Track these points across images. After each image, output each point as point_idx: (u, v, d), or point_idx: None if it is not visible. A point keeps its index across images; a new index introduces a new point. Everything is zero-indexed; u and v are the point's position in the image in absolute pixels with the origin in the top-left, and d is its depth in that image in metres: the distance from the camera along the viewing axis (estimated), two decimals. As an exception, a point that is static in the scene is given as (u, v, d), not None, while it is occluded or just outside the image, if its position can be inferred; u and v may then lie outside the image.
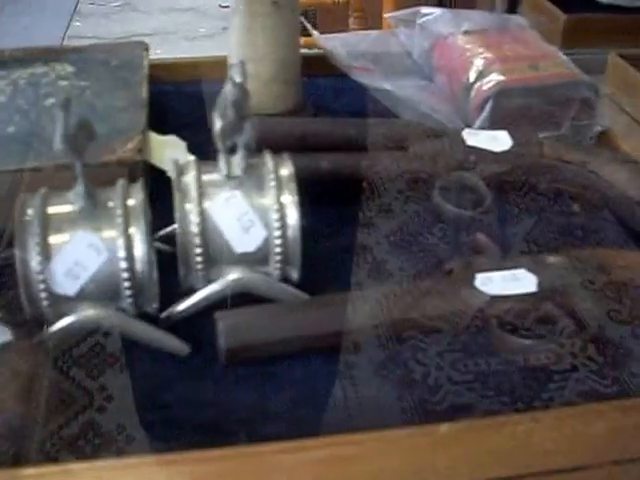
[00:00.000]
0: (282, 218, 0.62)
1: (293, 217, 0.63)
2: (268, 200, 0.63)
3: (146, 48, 0.94)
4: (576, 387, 0.59)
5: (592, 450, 0.52)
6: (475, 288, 0.62)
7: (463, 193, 0.76)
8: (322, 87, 0.98)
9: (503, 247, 0.70)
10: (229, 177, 0.64)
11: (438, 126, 0.83)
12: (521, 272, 0.64)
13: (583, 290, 0.64)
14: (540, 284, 0.63)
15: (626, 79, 1.08)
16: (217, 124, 0.62)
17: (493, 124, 0.84)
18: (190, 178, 0.63)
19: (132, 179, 0.72)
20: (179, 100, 0.96)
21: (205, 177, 0.64)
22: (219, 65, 0.91)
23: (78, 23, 3.43)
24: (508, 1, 1.52)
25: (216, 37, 3.11)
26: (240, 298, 0.63)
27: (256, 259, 0.63)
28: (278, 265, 0.63)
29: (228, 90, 0.61)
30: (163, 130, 0.84)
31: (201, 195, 0.62)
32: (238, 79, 0.61)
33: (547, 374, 0.60)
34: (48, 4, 3.56)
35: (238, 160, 0.64)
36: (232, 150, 0.64)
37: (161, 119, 0.90)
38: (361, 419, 0.54)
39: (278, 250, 0.63)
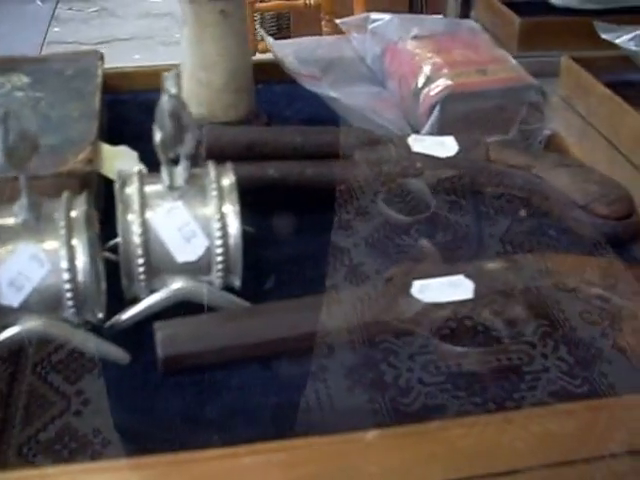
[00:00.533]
0: (223, 227, 0.64)
1: (234, 226, 0.64)
2: (210, 210, 0.64)
3: (101, 57, 0.95)
4: (548, 387, 0.60)
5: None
6: (411, 295, 0.63)
7: (408, 199, 0.78)
8: (277, 94, 1.00)
9: (446, 253, 0.71)
10: (171, 188, 0.65)
11: (385, 133, 0.84)
12: (459, 279, 0.65)
13: (521, 295, 0.65)
14: (477, 290, 0.64)
15: (579, 81, 1.10)
16: (157, 136, 0.63)
17: (441, 129, 0.85)
18: (133, 189, 0.64)
19: (84, 190, 0.73)
20: (135, 109, 0.96)
21: (148, 188, 0.65)
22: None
23: (57, 29, 3.44)
24: (462, 5, 1.54)
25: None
26: (186, 306, 0.64)
27: (198, 268, 0.64)
28: (220, 274, 0.65)
29: (164, 102, 0.62)
30: (119, 140, 0.84)
31: (143, 206, 0.63)
32: (173, 90, 0.61)
33: (518, 375, 0.61)
34: (27, 11, 3.56)
35: (180, 171, 0.65)
36: (175, 161, 0.65)
37: (117, 129, 0.91)
38: (289, 425, 0.56)
39: (220, 259, 0.64)
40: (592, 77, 1.08)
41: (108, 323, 0.64)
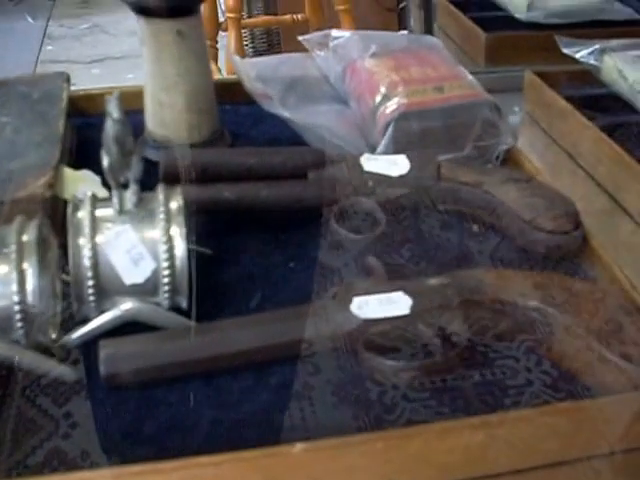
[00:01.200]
0: (170, 250, 0.66)
1: (180, 248, 0.66)
2: (157, 233, 0.66)
3: (67, 79, 0.97)
4: (531, 400, 0.62)
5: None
6: (350, 312, 0.66)
7: (359, 218, 0.80)
8: (243, 114, 1.02)
9: (394, 269, 0.73)
10: (121, 212, 0.67)
11: (341, 152, 0.86)
12: (397, 295, 0.67)
13: (458, 309, 0.67)
14: (415, 306, 0.66)
15: (541, 96, 1.12)
16: (104, 161, 0.65)
17: (396, 147, 0.87)
18: (83, 213, 0.67)
19: (47, 214, 0.76)
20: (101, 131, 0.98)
21: (98, 212, 0.67)
22: (140, 94, 0.94)
23: (50, 47, 3.47)
24: (425, 20, 1.56)
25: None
26: (137, 326, 0.66)
27: (146, 290, 0.67)
28: (167, 295, 0.67)
29: (109, 126, 0.64)
30: (85, 163, 0.86)
31: (93, 230, 0.66)
32: (115, 114, 0.63)
33: (502, 389, 0.63)
34: (17, 28, 3.60)
35: (129, 195, 0.67)
36: (125, 185, 0.67)
37: (84, 152, 0.93)
38: (227, 440, 0.58)
39: (166, 281, 0.66)
40: (553, 92, 1.10)
41: (59, 342, 0.66)
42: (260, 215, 0.80)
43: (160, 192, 0.68)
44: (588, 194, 1.03)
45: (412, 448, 0.54)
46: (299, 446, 0.52)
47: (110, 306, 0.67)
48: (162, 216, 0.66)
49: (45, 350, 0.65)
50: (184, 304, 0.68)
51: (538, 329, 0.67)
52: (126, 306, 0.66)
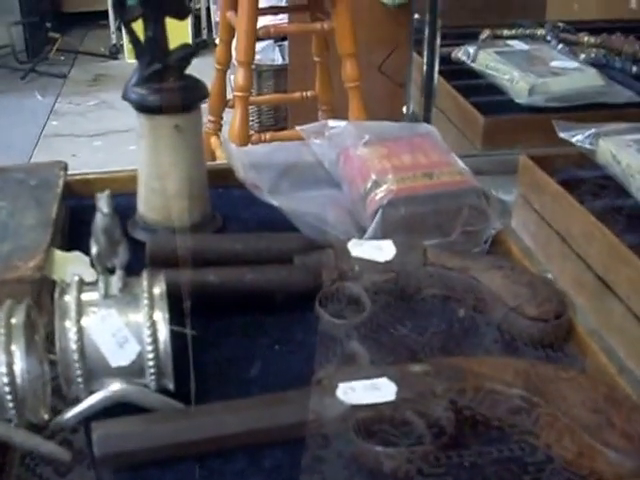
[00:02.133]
0: (154, 334, 0.67)
1: (163, 332, 0.67)
2: (141, 317, 0.67)
3: (64, 167, 0.99)
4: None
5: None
6: (336, 397, 0.66)
7: (345, 303, 0.81)
8: (234, 198, 1.03)
9: (378, 355, 0.74)
10: (106, 296, 0.68)
11: (329, 238, 0.87)
12: (382, 381, 0.68)
13: (442, 397, 0.67)
14: (399, 392, 0.66)
15: (535, 179, 1.14)
16: (93, 249, 0.67)
17: (384, 232, 0.88)
18: (70, 297, 0.68)
19: (35, 296, 0.77)
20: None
21: (85, 296, 0.69)
22: (133, 179, 0.96)
23: (55, 122, 3.53)
24: (425, 103, 1.58)
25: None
26: (128, 407, 0.67)
27: (132, 371, 0.68)
28: (153, 377, 0.68)
29: (98, 219, 0.66)
30: (79, 245, 0.88)
31: (80, 313, 0.67)
32: (105, 210, 0.66)
33: (520, 466, 0.64)
34: (26, 105, 3.67)
35: (115, 280, 0.69)
36: (112, 271, 0.69)
37: (77, 234, 0.94)
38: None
39: (151, 363, 0.67)
40: (546, 175, 1.12)
41: (52, 423, 0.67)
42: (245, 299, 0.81)
43: (144, 278, 0.70)
44: (578, 276, 1.04)
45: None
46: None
47: (99, 387, 0.68)
48: (146, 302, 0.68)
49: (38, 429, 0.66)
50: (170, 386, 0.69)
51: (523, 417, 0.67)
52: (114, 387, 0.68)
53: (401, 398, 0.67)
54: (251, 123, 2.99)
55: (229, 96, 2.32)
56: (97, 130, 3.34)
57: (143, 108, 0.91)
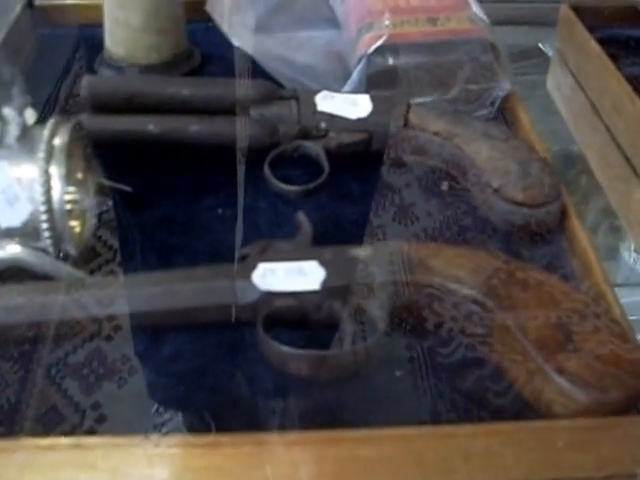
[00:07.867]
0: (48, 192, 0.58)
1: (57, 190, 0.58)
2: (35, 172, 0.58)
3: None
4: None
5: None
6: (251, 281, 0.56)
7: (300, 165, 0.70)
8: (221, 33, 0.91)
9: (326, 230, 0.64)
10: (0, 145, 0.59)
11: (297, 87, 0.75)
12: (311, 265, 0.57)
13: (380, 289, 0.57)
14: (327, 281, 0.56)
15: (573, 36, 0.99)
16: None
17: (368, 87, 0.76)
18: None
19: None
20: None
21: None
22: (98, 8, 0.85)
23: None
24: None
25: None
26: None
27: (26, 233, 0.59)
28: (49, 241, 0.59)
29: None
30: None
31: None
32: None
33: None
34: None
35: (13, 127, 0.59)
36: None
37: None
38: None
39: (45, 226, 0.58)
40: (585, 30, 0.96)
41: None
42: (189, 154, 0.71)
43: (47, 127, 0.60)
44: (604, 150, 0.91)
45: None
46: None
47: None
48: (42, 155, 0.58)
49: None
50: (73, 251, 0.61)
51: (474, 324, 0.56)
52: (13, 250, 0.59)
53: (328, 288, 0.56)
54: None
55: None
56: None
57: None
